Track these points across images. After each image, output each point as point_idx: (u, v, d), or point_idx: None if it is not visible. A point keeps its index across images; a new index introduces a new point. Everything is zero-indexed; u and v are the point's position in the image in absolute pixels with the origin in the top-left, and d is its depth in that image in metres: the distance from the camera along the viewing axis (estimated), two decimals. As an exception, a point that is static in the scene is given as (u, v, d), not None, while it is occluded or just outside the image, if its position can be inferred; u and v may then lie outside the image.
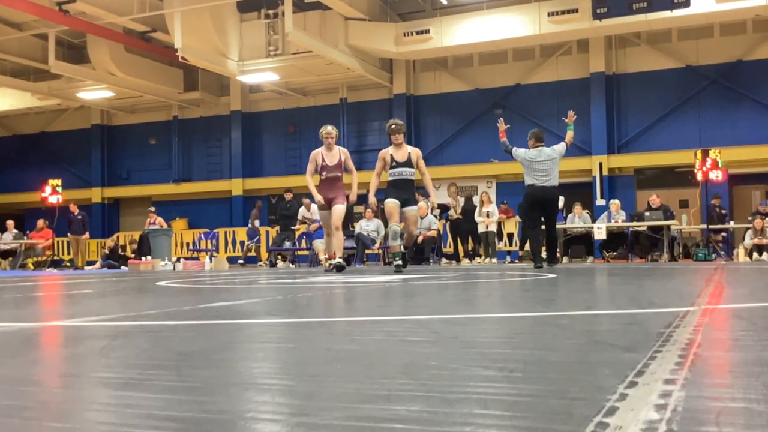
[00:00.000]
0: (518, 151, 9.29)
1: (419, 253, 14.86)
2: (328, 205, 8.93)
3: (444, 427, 1.03)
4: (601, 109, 18.55)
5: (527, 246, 16.29)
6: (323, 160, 8.89)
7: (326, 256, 15.72)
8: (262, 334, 2.46)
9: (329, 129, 8.92)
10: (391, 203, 8.54)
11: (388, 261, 16.29)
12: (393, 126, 8.73)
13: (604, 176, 18.43)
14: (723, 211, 15.75)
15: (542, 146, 9.24)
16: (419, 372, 1.52)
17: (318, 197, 8.84)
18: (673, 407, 1.10)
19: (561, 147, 9.24)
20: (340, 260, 8.86)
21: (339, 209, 8.85)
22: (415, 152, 8.72)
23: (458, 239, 16.10)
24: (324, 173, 8.91)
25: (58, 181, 18.34)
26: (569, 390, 1.26)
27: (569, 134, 9.40)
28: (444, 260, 15.67)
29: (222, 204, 22.45)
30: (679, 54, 18.33)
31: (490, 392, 1.27)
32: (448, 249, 16.57)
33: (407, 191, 8.58)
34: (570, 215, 15.20)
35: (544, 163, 9.05)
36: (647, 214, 14.43)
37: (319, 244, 15.67)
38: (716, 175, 14.59)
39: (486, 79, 19.95)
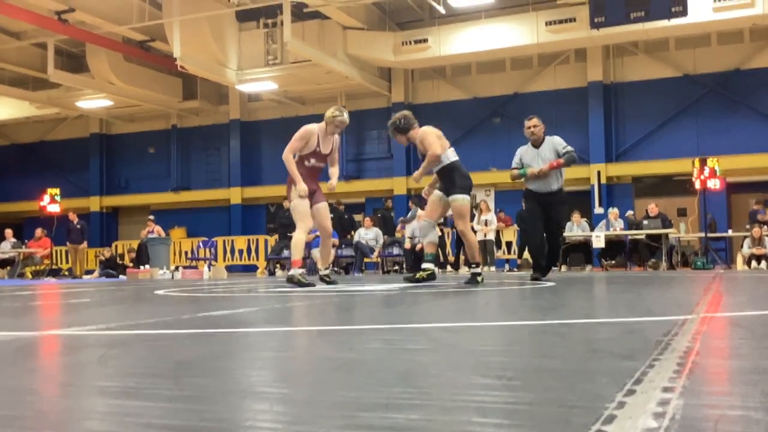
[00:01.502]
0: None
1: (418, 261, 14.85)
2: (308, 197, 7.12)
3: (442, 436, 1.03)
4: (599, 118, 18.60)
5: (525, 254, 16.33)
6: (318, 145, 7.03)
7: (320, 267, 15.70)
8: (260, 342, 2.46)
9: (345, 117, 7.07)
10: (432, 196, 7.00)
11: (386, 269, 16.29)
12: (390, 135, 7.30)
13: (603, 185, 18.46)
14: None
15: None
16: (418, 380, 1.51)
17: (302, 186, 6.90)
18: (671, 415, 1.10)
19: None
20: (328, 271, 7.34)
21: (327, 207, 7.31)
22: (417, 135, 6.91)
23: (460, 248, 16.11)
24: (312, 160, 7.07)
25: (57, 190, 18.33)
26: (567, 398, 1.26)
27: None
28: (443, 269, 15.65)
29: (221, 212, 22.44)
30: (676, 63, 18.39)
31: (488, 400, 1.26)
32: (451, 257, 16.56)
33: (443, 181, 6.86)
34: (569, 223, 15.20)
35: None
36: (645, 222, 14.44)
37: (317, 253, 15.66)
38: (714, 184, 14.62)
39: (484, 88, 20.00)
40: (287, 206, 17.82)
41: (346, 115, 7.08)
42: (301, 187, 6.91)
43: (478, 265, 6.95)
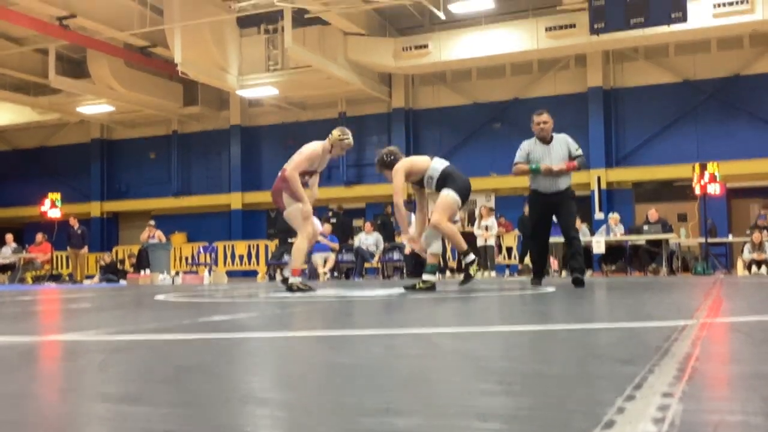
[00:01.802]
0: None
1: (419, 266, 14.83)
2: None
3: (442, 441, 1.03)
4: (599, 124, 18.62)
5: (527, 260, 16.31)
6: (317, 164, 7.13)
7: (319, 273, 15.70)
8: (261, 348, 2.46)
9: (351, 140, 7.15)
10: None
11: (387, 275, 16.28)
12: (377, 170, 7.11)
13: (603, 190, 18.47)
14: None
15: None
16: (418, 385, 1.52)
17: (308, 208, 6.97)
18: (671, 420, 1.10)
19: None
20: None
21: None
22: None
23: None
24: (306, 177, 7.10)
25: (58, 195, 18.35)
26: (567, 403, 1.27)
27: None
28: (447, 274, 15.65)
29: (221, 218, 22.45)
30: (676, 68, 18.42)
31: (488, 405, 1.27)
32: (452, 263, 16.54)
33: (439, 189, 6.70)
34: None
35: None
36: (645, 227, 14.44)
37: (317, 258, 15.67)
38: (714, 189, 14.63)
39: (484, 93, 20.03)
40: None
41: (351, 138, 7.13)
42: (307, 208, 6.93)
43: (467, 254, 6.61)
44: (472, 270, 6.51)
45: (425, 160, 6.75)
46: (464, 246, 6.66)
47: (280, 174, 7.04)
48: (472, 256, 6.59)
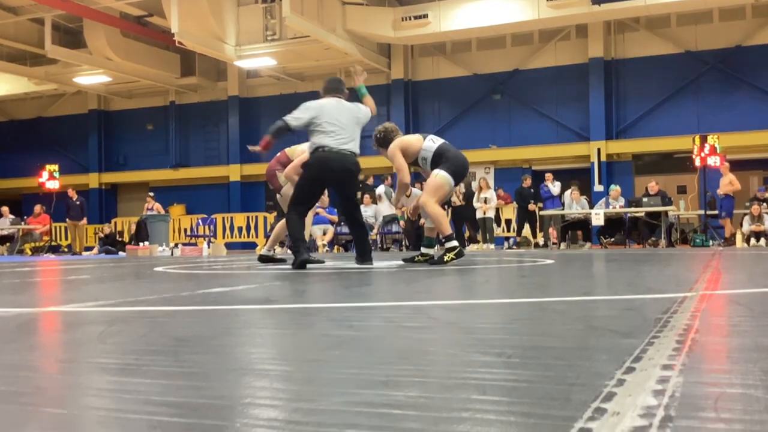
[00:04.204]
0: (306, 106, 6.57)
1: (419, 239, 14.85)
2: None
3: (442, 413, 1.03)
4: (600, 95, 18.52)
5: (524, 231, 16.33)
6: None
7: (323, 242, 15.75)
8: (259, 319, 2.46)
9: None
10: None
11: (385, 247, 16.31)
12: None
13: (603, 162, 18.43)
14: None
15: (341, 98, 6.66)
16: (417, 358, 1.52)
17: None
18: (670, 393, 1.10)
19: (366, 110, 6.73)
20: (272, 252, 7.76)
21: None
22: (388, 152, 6.72)
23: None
24: None
25: (56, 167, 18.31)
26: (567, 376, 1.26)
27: (367, 100, 6.90)
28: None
29: (220, 190, 22.42)
30: (678, 39, 18.27)
31: (488, 378, 1.26)
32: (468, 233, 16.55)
33: (434, 167, 6.44)
34: (568, 201, 15.21)
35: (347, 117, 6.48)
36: (645, 200, 14.44)
37: (317, 230, 15.68)
38: (714, 161, 14.60)
39: (484, 65, 19.88)
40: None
41: None
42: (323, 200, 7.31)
43: (449, 239, 6.21)
44: (447, 256, 6.11)
45: (417, 139, 6.57)
46: (448, 230, 6.34)
47: (278, 155, 7.22)
48: (454, 243, 6.22)
